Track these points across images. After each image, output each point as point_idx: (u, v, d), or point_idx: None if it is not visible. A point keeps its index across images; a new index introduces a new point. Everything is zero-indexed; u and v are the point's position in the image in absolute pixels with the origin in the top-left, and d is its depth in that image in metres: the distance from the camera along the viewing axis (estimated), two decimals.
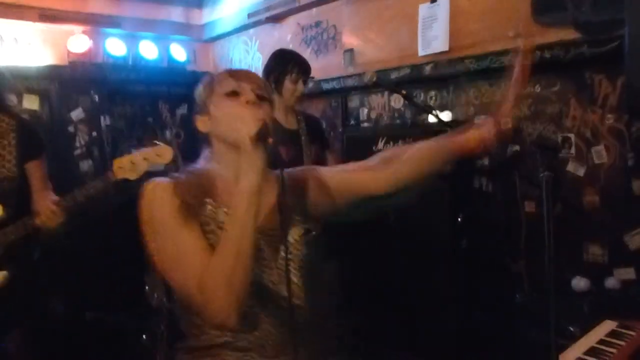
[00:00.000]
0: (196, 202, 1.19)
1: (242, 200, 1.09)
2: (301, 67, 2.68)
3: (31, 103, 4.04)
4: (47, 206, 2.06)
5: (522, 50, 1.28)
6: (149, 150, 2.09)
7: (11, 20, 3.85)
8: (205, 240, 1.16)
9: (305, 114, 2.94)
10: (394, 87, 1.78)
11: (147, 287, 3.48)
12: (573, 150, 2.51)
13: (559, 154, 2.49)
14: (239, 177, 1.11)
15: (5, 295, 2.11)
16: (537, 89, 2.63)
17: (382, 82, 1.82)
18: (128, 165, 2.07)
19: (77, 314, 3.09)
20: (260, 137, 1.10)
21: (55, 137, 4.12)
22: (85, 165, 4.27)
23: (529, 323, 1.49)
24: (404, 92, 1.68)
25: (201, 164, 1.32)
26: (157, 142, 2.16)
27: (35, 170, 2.21)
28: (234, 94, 1.24)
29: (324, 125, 3.86)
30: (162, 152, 2.09)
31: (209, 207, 1.21)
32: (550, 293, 1.09)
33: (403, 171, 1.33)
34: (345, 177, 1.38)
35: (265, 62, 2.81)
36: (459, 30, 2.96)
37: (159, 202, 1.18)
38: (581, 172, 2.49)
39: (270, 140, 1.10)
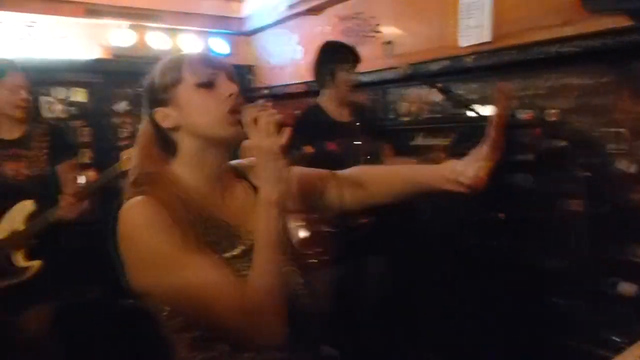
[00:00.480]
0: (188, 219, 1.05)
1: (269, 212, 1.01)
2: (354, 56, 2.67)
3: (78, 96, 4.19)
4: (65, 199, 2.25)
5: (498, 114, 1.13)
6: None
7: (60, 16, 3.98)
8: (221, 263, 1.03)
9: (358, 104, 2.91)
10: (429, 79, 1.70)
11: None
12: (624, 146, 2.35)
13: (602, 151, 2.34)
14: (263, 188, 1.02)
15: (41, 283, 2.27)
16: (586, 80, 2.47)
17: (417, 74, 1.75)
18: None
19: (112, 301, 3.17)
20: (289, 147, 1.01)
21: (100, 129, 4.26)
22: None
23: (570, 330, 1.39)
24: (439, 84, 1.60)
25: (159, 167, 1.14)
26: None
27: (66, 171, 2.44)
28: (209, 84, 1.11)
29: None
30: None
31: (200, 228, 1.07)
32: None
33: (368, 194, 1.29)
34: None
35: (315, 55, 2.82)
36: (502, 18, 2.82)
37: (152, 236, 0.99)
38: (632, 168, 2.33)
39: (309, 149, 1.08)
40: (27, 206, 2.31)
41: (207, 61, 1.14)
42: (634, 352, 1.26)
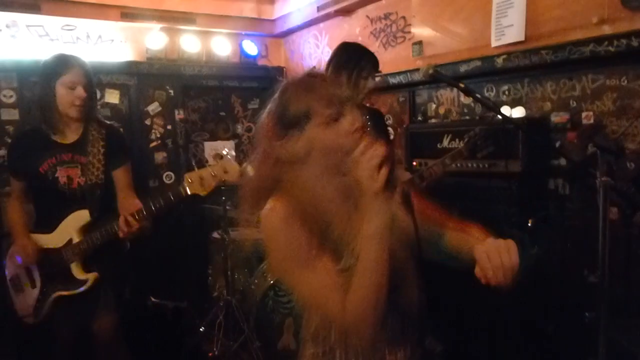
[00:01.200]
0: (316, 229, 1.16)
1: (371, 245, 1.09)
2: (373, 63, 2.59)
3: (112, 97, 4.28)
4: (124, 218, 2.11)
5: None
6: (217, 166, 2.13)
7: (95, 20, 4.09)
8: (335, 270, 1.16)
9: (369, 108, 2.84)
10: (452, 80, 1.63)
11: (209, 279, 3.60)
12: (624, 152, 2.22)
13: (623, 156, 2.20)
14: (365, 221, 1.09)
15: (95, 294, 2.27)
16: (624, 81, 2.35)
17: (440, 75, 1.68)
18: (197, 180, 2.12)
19: (141, 299, 3.22)
20: (388, 183, 1.06)
21: (133, 129, 4.34)
22: (160, 156, 4.46)
23: (597, 346, 1.31)
24: (462, 85, 1.53)
25: (294, 186, 1.22)
26: (224, 155, 2.27)
27: (121, 178, 2.33)
28: (335, 120, 1.17)
29: (390, 120, 3.75)
30: (229, 169, 2.12)
31: (325, 236, 1.18)
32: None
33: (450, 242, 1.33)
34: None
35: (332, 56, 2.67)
36: (536, 17, 2.71)
37: (285, 236, 1.15)
38: None
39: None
40: (82, 216, 2.22)
41: (331, 95, 1.18)
42: None
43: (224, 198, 3.15)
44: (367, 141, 1.08)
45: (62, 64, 2.18)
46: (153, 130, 4.43)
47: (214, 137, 4.85)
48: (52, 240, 2.24)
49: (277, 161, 1.20)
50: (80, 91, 2.16)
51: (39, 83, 2.22)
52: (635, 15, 2.25)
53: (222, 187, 3.11)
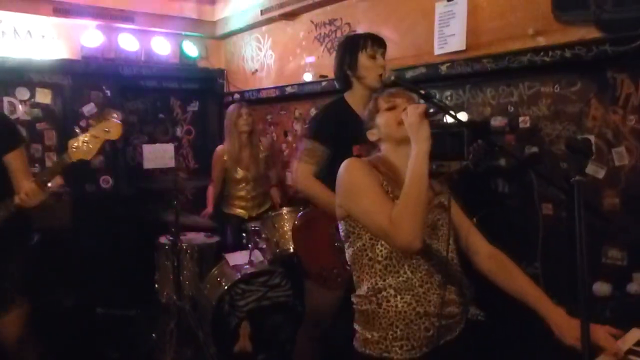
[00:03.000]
0: (381, 177, 1.54)
1: (419, 159, 1.43)
2: (374, 38, 2.36)
3: (43, 97, 4.05)
4: (26, 185, 2.06)
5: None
6: (97, 127, 2.09)
7: (26, 14, 3.85)
8: (389, 197, 1.49)
9: None
10: (413, 86, 1.73)
11: (156, 286, 3.49)
12: (593, 152, 2.45)
13: (592, 157, 2.43)
14: (415, 144, 1.44)
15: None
16: (557, 88, 2.57)
17: (401, 81, 1.78)
18: (83, 146, 2.07)
19: (88, 309, 3.08)
20: (426, 113, 1.45)
21: (67, 131, 4.12)
22: (96, 160, 4.26)
23: (545, 329, 1.45)
24: (422, 91, 1.63)
25: (374, 157, 1.65)
26: (109, 117, 2.14)
27: (13, 162, 2.22)
28: (392, 107, 1.61)
29: None
30: (110, 127, 2.09)
31: (385, 182, 1.53)
32: (583, 294, 1.05)
33: (500, 279, 1.57)
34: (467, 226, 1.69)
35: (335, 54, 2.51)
36: (476, 28, 2.91)
37: (360, 171, 1.54)
38: (601, 174, 2.44)
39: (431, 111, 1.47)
40: None
41: (391, 93, 1.66)
42: (630, 337, 1.32)
43: (175, 202, 3.08)
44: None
45: None
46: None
47: (152, 140, 4.70)
48: None
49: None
50: None
51: None
52: (567, 28, 2.48)
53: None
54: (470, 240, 1.65)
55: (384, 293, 1.48)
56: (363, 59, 2.30)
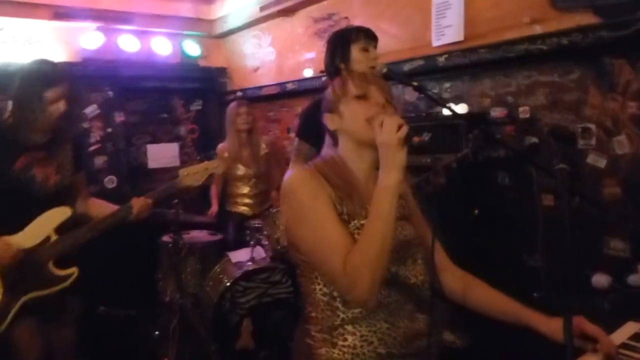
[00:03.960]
0: (332, 191, 1.30)
1: (387, 196, 1.19)
2: (365, 31, 2.32)
3: None
4: (141, 200, 2.29)
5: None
6: (209, 162, 2.43)
7: (24, 19, 3.88)
8: (344, 226, 1.25)
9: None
10: (406, 79, 1.69)
11: (159, 284, 3.51)
12: (593, 141, 2.41)
13: (577, 144, 2.39)
14: (384, 171, 1.21)
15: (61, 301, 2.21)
16: (555, 77, 2.53)
17: (393, 74, 1.74)
18: (192, 174, 2.37)
19: (90, 308, 3.10)
20: (406, 139, 1.20)
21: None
22: (100, 160, 4.30)
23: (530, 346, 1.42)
24: (415, 83, 1.59)
25: (326, 157, 1.41)
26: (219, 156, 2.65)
27: (83, 181, 2.41)
28: (363, 97, 1.35)
29: None
30: (219, 164, 2.54)
31: (337, 198, 1.30)
32: (568, 288, 1.02)
33: (471, 297, 1.41)
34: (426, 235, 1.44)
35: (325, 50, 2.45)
36: (473, 18, 2.87)
37: (301, 192, 1.29)
38: (602, 163, 2.39)
39: (416, 139, 1.22)
40: (62, 213, 2.17)
41: (365, 78, 1.39)
42: (624, 331, 1.29)
43: (176, 201, 3.09)
44: (389, 112, 1.29)
45: (52, 76, 2.13)
46: (92, 134, 4.26)
47: (156, 140, 4.73)
48: (24, 240, 2.11)
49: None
50: (62, 105, 2.14)
51: (21, 86, 2.14)
52: (563, 15, 2.43)
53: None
54: (436, 256, 1.40)
55: (340, 330, 1.28)
56: (355, 52, 2.27)
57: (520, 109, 2.69)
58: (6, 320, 2.09)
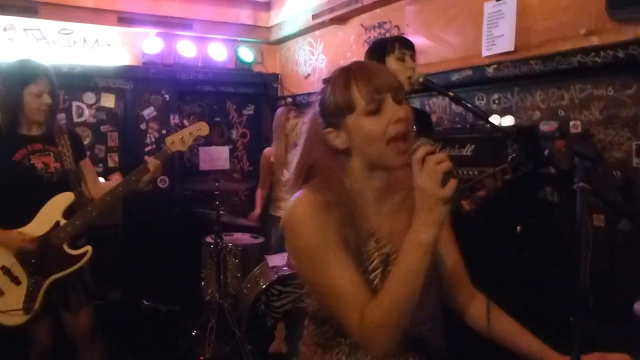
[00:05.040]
0: (342, 225, 1.11)
1: (419, 253, 1.00)
2: (402, 41, 2.30)
3: (108, 101, 4.32)
4: (152, 161, 2.43)
5: None
6: (192, 126, 2.60)
7: (92, 24, 4.12)
8: (357, 272, 1.09)
9: (415, 109, 2.76)
10: (442, 88, 1.65)
11: (202, 283, 3.61)
12: (601, 159, 2.27)
13: (600, 163, 2.25)
14: (420, 222, 1.00)
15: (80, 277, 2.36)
16: (610, 91, 2.40)
17: (431, 83, 1.70)
18: (178, 140, 2.54)
19: (134, 302, 3.24)
20: (454, 197, 0.97)
21: (128, 133, 4.37)
22: None
23: (586, 347, 1.34)
24: (451, 94, 1.56)
25: (329, 175, 1.16)
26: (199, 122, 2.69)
27: (88, 166, 2.59)
28: (377, 111, 1.10)
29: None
30: (201, 127, 2.61)
31: (340, 225, 1.12)
32: (577, 315, 0.97)
33: (495, 328, 1.24)
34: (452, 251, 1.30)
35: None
36: (526, 28, 2.77)
37: (305, 231, 1.11)
38: None
39: (466, 205, 1.05)
40: (66, 198, 2.32)
41: (374, 81, 1.11)
42: None
43: (217, 203, 3.17)
44: (429, 145, 1.01)
45: (30, 72, 2.29)
46: (148, 135, 4.46)
47: (209, 142, 4.87)
48: (35, 229, 2.27)
49: (319, 148, 1.17)
50: (46, 99, 2.30)
51: (3, 86, 2.29)
52: (621, 27, 2.31)
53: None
54: (456, 275, 1.28)
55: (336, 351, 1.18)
56: (391, 61, 2.26)
57: (572, 123, 2.57)
58: (37, 301, 2.25)
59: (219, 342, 3.04)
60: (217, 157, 4.93)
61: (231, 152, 5.01)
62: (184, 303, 3.50)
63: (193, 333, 3.21)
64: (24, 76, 2.27)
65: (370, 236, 1.14)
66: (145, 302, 3.26)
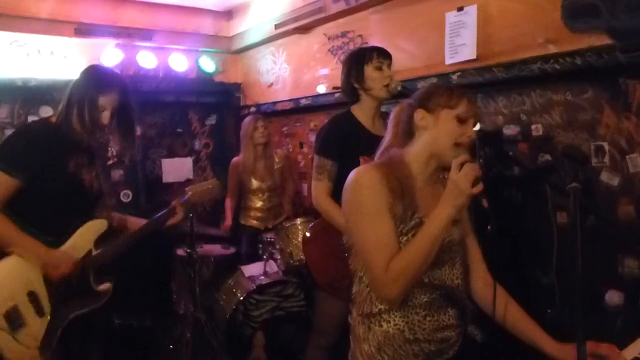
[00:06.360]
0: (393, 196, 1.38)
1: (441, 223, 1.29)
2: (379, 50, 2.43)
3: None
4: (178, 203, 2.37)
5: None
6: (207, 183, 2.58)
7: (48, 35, 3.99)
8: (395, 233, 1.36)
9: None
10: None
11: (174, 296, 3.56)
12: (607, 159, 2.43)
13: (589, 164, 2.41)
14: (446, 204, 1.29)
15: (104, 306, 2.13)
16: (569, 96, 2.55)
17: (407, 91, 1.79)
18: (198, 194, 2.50)
19: (106, 318, 3.13)
20: (477, 196, 1.30)
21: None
22: (117, 174, 4.37)
23: (560, 338, 1.44)
24: None
25: (393, 157, 1.47)
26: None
27: (108, 190, 2.46)
28: (463, 121, 1.40)
29: None
30: (213, 184, 2.59)
31: (393, 200, 1.38)
32: (578, 307, 1.04)
33: (499, 313, 1.48)
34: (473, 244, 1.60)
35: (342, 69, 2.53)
36: (487, 37, 2.91)
37: (364, 188, 1.38)
38: (615, 181, 2.40)
39: (485, 204, 1.34)
40: (100, 226, 2.12)
41: (475, 107, 1.44)
42: (636, 347, 1.31)
43: (190, 215, 3.14)
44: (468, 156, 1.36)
45: (107, 82, 2.07)
46: (109, 148, 4.34)
47: (171, 154, 4.81)
48: (70, 253, 2.00)
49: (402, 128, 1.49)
50: (106, 116, 2.05)
51: (82, 86, 2.07)
52: (577, 36, 2.46)
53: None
54: (474, 262, 1.58)
55: (377, 318, 1.43)
56: (369, 70, 2.34)
57: (533, 126, 2.71)
58: (51, 346, 1.94)
59: (196, 356, 3.00)
60: (181, 168, 4.87)
61: (194, 162, 4.96)
62: (157, 318, 3.42)
63: (170, 347, 3.15)
64: (101, 83, 2.06)
65: (413, 207, 1.40)
66: (116, 320, 3.16)
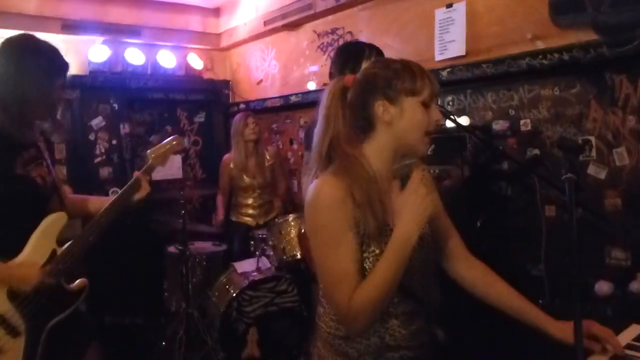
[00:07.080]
0: (356, 210, 1.22)
1: (407, 246, 1.16)
2: (377, 50, 2.40)
3: None
4: (145, 181, 2.08)
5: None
6: (167, 142, 2.27)
7: (34, 32, 3.92)
8: (359, 256, 1.21)
9: None
10: None
11: (165, 294, 3.54)
12: (594, 153, 2.48)
13: (581, 156, 2.46)
14: (406, 221, 1.17)
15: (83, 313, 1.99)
16: (557, 91, 2.60)
17: None
18: (160, 155, 2.22)
19: (97, 317, 3.12)
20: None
21: (76, 145, 4.20)
22: (105, 172, 4.34)
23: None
24: None
25: (350, 159, 1.27)
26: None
27: (60, 174, 2.32)
28: (428, 106, 1.26)
29: None
30: (177, 141, 2.31)
31: (360, 217, 1.22)
32: (576, 298, 1.07)
33: (488, 292, 1.40)
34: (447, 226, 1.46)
35: (335, 58, 2.49)
36: (476, 34, 2.95)
37: (325, 209, 1.21)
38: (602, 174, 2.45)
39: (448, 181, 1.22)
40: (60, 219, 1.85)
41: (433, 82, 1.28)
42: (629, 333, 1.34)
43: (183, 212, 3.13)
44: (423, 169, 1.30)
45: (65, 64, 1.91)
46: (97, 145, 4.31)
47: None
48: (31, 259, 1.77)
49: (341, 122, 1.29)
50: (65, 95, 1.96)
51: (28, 72, 1.80)
52: (564, 32, 2.51)
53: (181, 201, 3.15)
54: (450, 244, 1.44)
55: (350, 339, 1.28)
56: (360, 67, 2.35)
57: (522, 121, 2.76)
58: (38, 354, 1.75)
59: (189, 353, 3.00)
60: (170, 165, 4.80)
61: (183, 160, 4.93)
62: (145, 315, 3.41)
63: (162, 344, 3.14)
64: (61, 66, 1.88)
65: (385, 219, 1.25)
66: (107, 317, 3.15)
